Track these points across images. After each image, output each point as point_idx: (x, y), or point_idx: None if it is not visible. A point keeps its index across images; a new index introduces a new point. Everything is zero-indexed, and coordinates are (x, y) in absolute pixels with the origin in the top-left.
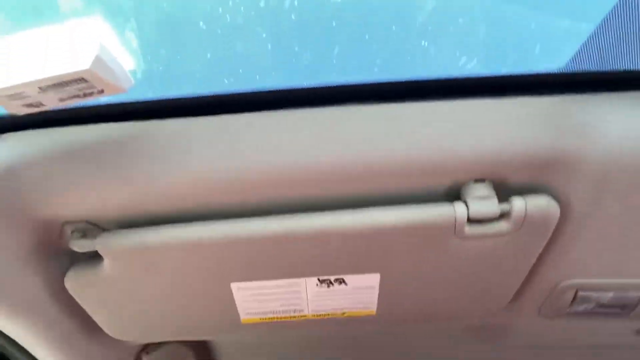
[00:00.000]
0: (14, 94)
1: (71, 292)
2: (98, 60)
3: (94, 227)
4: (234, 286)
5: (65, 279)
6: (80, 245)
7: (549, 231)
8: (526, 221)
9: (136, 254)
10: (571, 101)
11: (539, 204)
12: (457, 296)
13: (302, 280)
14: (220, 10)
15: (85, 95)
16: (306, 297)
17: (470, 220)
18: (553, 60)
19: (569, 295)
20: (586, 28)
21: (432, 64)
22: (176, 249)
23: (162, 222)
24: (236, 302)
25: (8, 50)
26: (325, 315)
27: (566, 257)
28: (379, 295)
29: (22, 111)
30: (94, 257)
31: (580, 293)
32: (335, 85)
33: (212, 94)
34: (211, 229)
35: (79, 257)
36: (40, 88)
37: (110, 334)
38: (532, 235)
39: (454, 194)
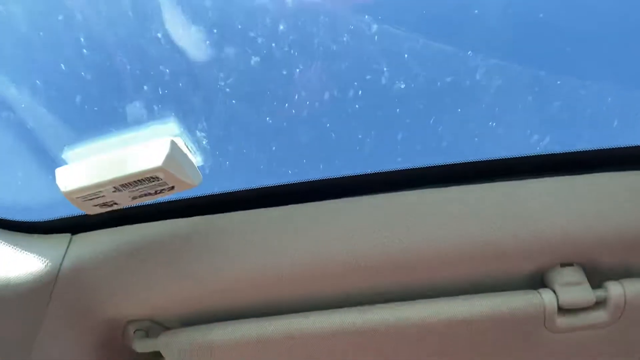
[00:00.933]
0: (90, 194)
1: None
2: (169, 158)
3: (157, 325)
4: None
5: None
6: (143, 346)
7: None
8: (626, 309)
9: (200, 352)
10: None
11: None
12: None
13: None
14: (287, 105)
15: (156, 192)
16: None
17: (561, 310)
18: (632, 135)
19: None
20: None
21: (502, 144)
22: (245, 346)
23: (226, 318)
24: None
25: (87, 155)
26: None
27: None
28: None
29: (96, 211)
30: (158, 355)
31: None
32: (403, 169)
33: (275, 184)
34: (283, 324)
35: (142, 354)
36: (115, 187)
37: None
38: (635, 325)
39: (537, 281)
